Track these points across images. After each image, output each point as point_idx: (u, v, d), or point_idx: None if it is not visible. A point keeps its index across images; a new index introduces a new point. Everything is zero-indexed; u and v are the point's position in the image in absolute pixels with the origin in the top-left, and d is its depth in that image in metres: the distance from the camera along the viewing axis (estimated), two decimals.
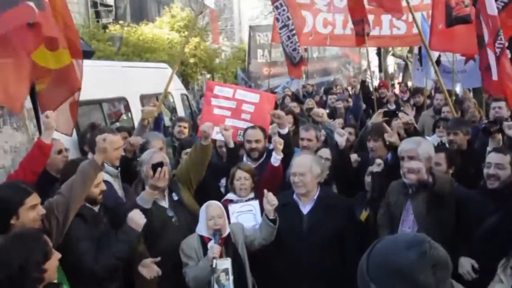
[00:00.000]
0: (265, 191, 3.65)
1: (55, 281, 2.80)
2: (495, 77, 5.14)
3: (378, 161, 4.31)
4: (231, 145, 4.91)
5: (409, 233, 3.18)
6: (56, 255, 2.54)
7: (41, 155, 3.72)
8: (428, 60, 9.42)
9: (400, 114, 5.74)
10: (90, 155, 4.15)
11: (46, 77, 4.39)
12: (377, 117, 5.95)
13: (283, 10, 9.25)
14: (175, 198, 4.10)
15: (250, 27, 18.84)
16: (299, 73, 10.49)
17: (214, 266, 3.37)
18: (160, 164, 3.72)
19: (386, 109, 6.31)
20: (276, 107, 8.30)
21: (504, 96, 5.26)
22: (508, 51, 5.16)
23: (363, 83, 10.09)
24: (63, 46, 4.25)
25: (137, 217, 3.42)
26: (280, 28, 9.33)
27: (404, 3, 9.74)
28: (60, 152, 4.39)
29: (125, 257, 3.38)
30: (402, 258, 1.33)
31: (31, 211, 2.88)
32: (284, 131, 5.08)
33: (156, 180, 3.70)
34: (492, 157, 3.59)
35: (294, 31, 9.36)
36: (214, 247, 3.45)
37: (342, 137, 4.53)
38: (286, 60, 10.00)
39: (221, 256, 3.59)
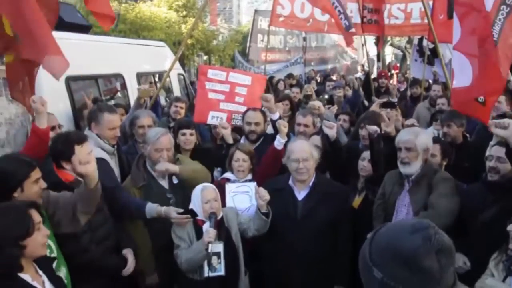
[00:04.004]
0: (257, 188, 3.62)
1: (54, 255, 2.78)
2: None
3: (373, 128, 4.05)
4: (230, 141, 4.79)
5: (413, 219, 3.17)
6: (43, 232, 2.42)
7: (41, 141, 3.61)
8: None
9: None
10: (86, 131, 4.11)
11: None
12: (375, 107, 5.90)
13: None
14: (175, 181, 4.09)
15: (256, 11, 18.65)
16: (350, 40, 9.79)
17: (210, 250, 3.33)
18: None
19: (385, 100, 6.25)
20: (267, 89, 8.25)
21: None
22: None
23: (368, 74, 10.03)
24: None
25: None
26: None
27: None
28: (53, 128, 4.33)
29: None
30: (406, 242, 1.31)
31: (35, 185, 2.85)
32: (275, 116, 5.01)
33: (180, 221, 3.59)
34: (494, 150, 3.56)
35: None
36: (210, 231, 3.38)
37: (331, 129, 4.38)
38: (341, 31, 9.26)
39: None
